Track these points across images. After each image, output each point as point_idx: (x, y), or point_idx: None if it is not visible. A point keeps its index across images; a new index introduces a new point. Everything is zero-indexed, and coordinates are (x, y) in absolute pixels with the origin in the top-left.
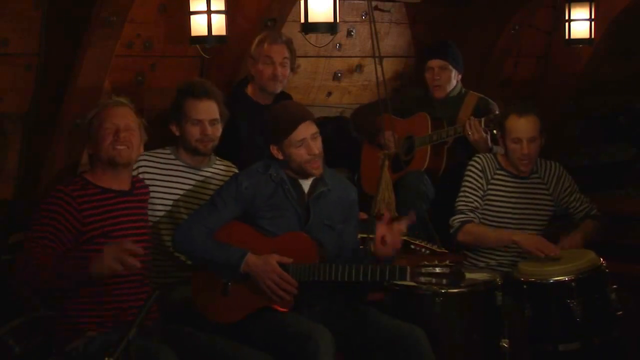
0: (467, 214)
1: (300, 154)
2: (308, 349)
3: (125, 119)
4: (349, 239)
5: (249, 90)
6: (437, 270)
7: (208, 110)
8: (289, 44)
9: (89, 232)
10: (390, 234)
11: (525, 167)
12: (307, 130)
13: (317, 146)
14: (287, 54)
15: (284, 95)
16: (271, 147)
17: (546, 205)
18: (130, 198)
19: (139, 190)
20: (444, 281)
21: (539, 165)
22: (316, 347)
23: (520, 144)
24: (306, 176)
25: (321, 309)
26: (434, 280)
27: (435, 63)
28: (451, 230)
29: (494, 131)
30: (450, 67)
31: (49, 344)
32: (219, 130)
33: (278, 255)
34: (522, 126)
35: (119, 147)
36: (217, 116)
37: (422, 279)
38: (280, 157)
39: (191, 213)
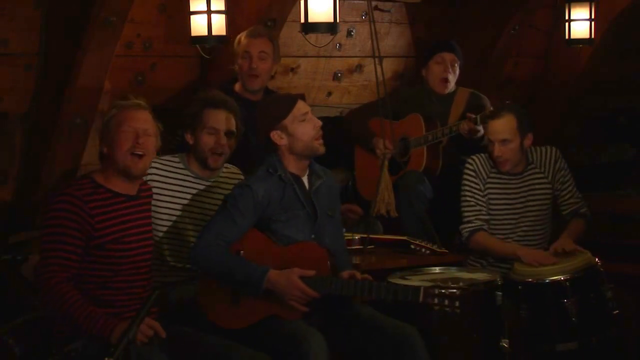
0: (474, 222)
1: (306, 129)
2: (300, 351)
3: (145, 124)
4: (339, 227)
5: (237, 87)
6: (450, 292)
7: (226, 121)
8: (270, 37)
9: (101, 237)
10: None
11: (502, 168)
12: (306, 106)
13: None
14: (265, 48)
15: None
16: (272, 134)
17: (546, 195)
18: (136, 202)
19: (144, 192)
20: (456, 303)
21: (534, 154)
22: (308, 350)
23: (492, 145)
24: (311, 156)
25: (322, 310)
26: (446, 302)
27: (448, 56)
28: (462, 239)
29: None
30: (458, 64)
31: (49, 344)
32: (232, 144)
33: (299, 269)
34: (493, 128)
35: (137, 152)
36: (234, 129)
37: (435, 301)
38: (284, 141)
39: (205, 227)
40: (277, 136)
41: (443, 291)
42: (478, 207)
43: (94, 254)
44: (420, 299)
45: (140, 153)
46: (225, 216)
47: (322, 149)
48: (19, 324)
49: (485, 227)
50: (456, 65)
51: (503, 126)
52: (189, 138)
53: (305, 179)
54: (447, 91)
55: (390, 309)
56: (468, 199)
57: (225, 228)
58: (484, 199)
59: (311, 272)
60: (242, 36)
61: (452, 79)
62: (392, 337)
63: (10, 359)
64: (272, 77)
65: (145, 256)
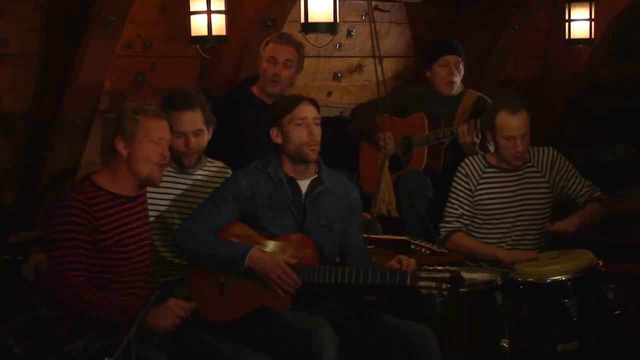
0: (453, 223)
1: (299, 133)
2: (312, 343)
3: (168, 135)
4: (353, 240)
5: (255, 88)
6: (437, 275)
7: (191, 121)
8: (298, 46)
9: (105, 240)
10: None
11: (518, 162)
12: (309, 112)
13: (318, 131)
14: (291, 56)
15: None
16: (271, 131)
17: (544, 193)
18: (134, 203)
19: (141, 194)
20: (444, 286)
21: (532, 154)
22: (320, 340)
23: (513, 142)
24: (303, 162)
25: (323, 309)
26: (434, 285)
27: (452, 59)
28: (440, 237)
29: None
30: (462, 65)
31: (49, 344)
32: (204, 139)
33: (283, 254)
34: (515, 124)
35: (162, 165)
36: (202, 126)
37: (422, 284)
38: (279, 140)
39: (192, 212)
40: (274, 134)
41: (430, 274)
42: (461, 211)
43: (96, 257)
44: (408, 282)
45: (161, 168)
46: (209, 202)
47: (312, 156)
48: (19, 324)
49: (464, 229)
50: (460, 66)
51: (522, 121)
52: None
53: (305, 183)
54: (453, 92)
55: (390, 309)
56: (453, 200)
57: (208, 212)
58: (469, 204)
59: (294, 260)
60: (270, 40)
61: (458, 79)
62: (406, 337)
63: (10, 359)
64: (291, 85)
65: (143, 256)
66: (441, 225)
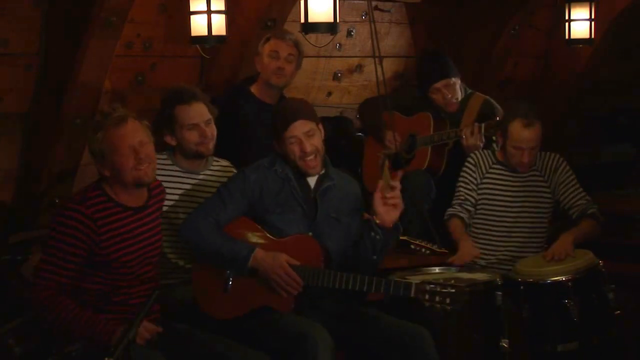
0: (456, 208)
1: (293, 150)
2: (306, 347)
3: (137, 136)
4: (355, 233)
5: (255, 88)
6: (442, 289)
7: (200, 112)
8: (296, 43)
9: (107, 255)
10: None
11: (523, 170)
12: (299, 129)
13: (311, 143)
14: (293, 51)
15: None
16: (273, 142)
17: (545, 199)
18: (147, 212)
19: (155, 197)
20: (448, 300)
21: (538, 158)
22: (315, 345)
23: (521, 152)
24: (302, 174)
25: (322, 310)
26: (437, 299)
27: (441, 84)
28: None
29: (493, 137)
30: (454, 79)
31: (49, 344)
32: (214, 129)
33: (287, 255)
34: (527, 136)
35: (141, 167)
36: (209, 115)
37: (426, 296)
38: (281, 152)
39: (196, 207)
40: (276, 145)
41: (434, 287)
42: (465, 196)
43: (98, 269)
44: (412, 294)
45: (145, 166)
46: (216, 197)
47: (310, 171)
48: (19, 324)
49: (464, 215)
50: (452, 82)
51: (535, 135)
52: (169, 140)
53: (313, 178)
54: (455, 109)
55: (389, 309)
56: (460, 188)
57: (214, 206)
58: (474, 191)
59: (297, 262)
60: (270, 36)
61: (457, 95)
62: (404, 337)
63: (10, 359)
64: (290, 83)
65: (146, 268)
66: (448, 209)
